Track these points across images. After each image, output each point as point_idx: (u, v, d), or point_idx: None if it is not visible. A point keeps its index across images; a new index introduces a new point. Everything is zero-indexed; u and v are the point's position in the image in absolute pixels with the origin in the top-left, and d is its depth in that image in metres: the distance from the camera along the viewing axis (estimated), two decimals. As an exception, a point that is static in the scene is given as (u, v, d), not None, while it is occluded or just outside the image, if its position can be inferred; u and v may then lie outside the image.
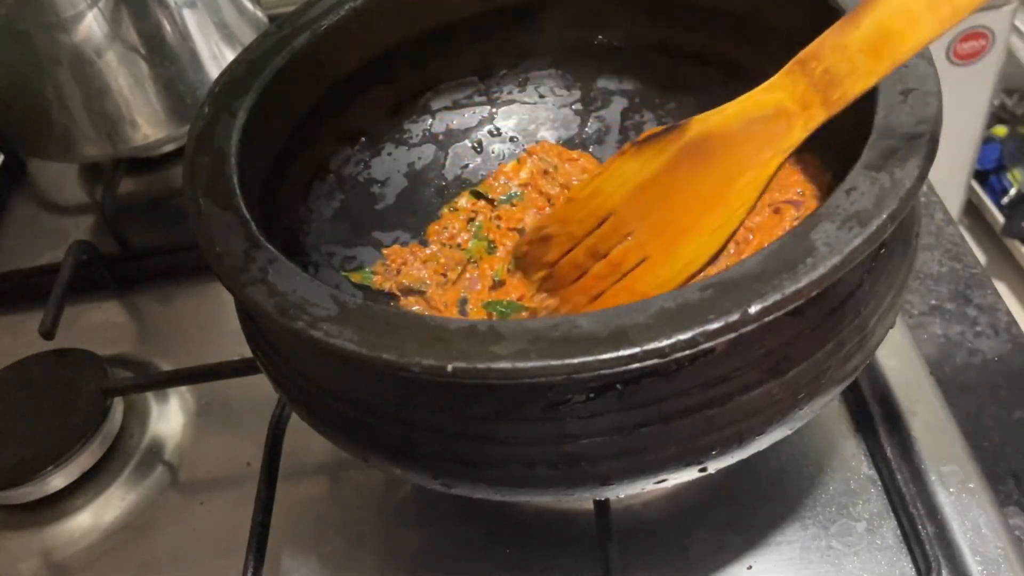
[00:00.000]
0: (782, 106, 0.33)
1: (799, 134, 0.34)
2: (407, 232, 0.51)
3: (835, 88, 0.32)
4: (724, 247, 0.38)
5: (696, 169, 0.36)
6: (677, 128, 0.36)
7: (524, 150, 0.54)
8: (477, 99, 0.54)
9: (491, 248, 0.49)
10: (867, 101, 0.35)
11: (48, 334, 0.54)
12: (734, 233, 0.37)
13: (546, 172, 0.51)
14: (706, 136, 0.36)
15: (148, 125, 0.64)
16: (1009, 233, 1.60)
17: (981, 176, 1.65)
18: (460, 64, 0.52)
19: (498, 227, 0.50)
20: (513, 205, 0.51)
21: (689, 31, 0.49)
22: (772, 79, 0.33)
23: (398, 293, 0.48)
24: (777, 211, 0.45)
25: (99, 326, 0.63)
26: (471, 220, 0.51)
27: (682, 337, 0.28)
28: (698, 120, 0.35)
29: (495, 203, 0.51)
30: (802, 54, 0.32)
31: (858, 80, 0.32)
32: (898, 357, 0.50)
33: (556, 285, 0.42)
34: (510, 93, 0.54)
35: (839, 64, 0.32)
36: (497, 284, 0.47)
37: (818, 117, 0.33)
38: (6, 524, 0.52)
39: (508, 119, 0.54)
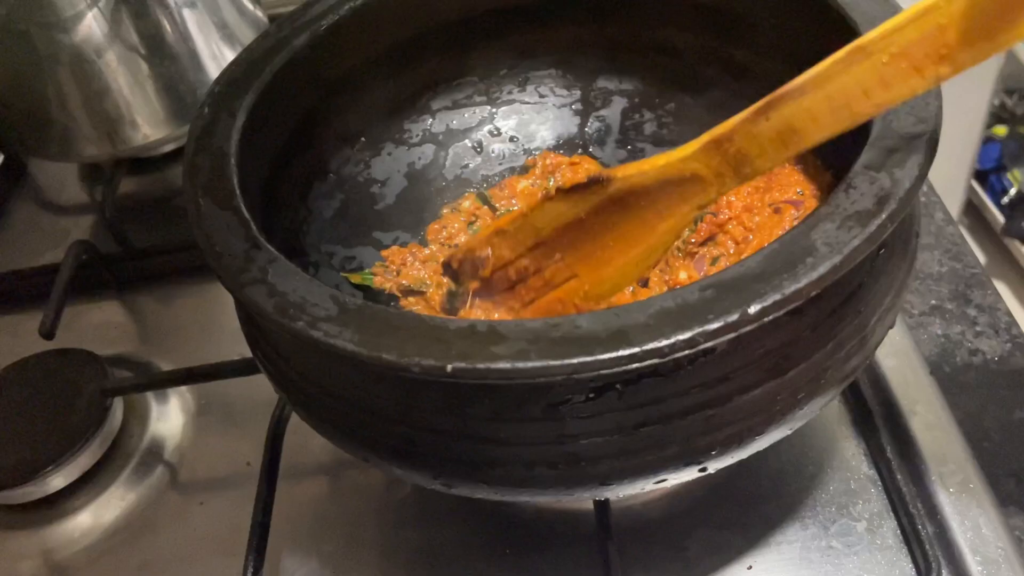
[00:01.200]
0: (698, 173, 0.37)
1: (713, 194, 0.37)
2: (407, 232, 0.51)
3: (746, 165, 0.35)
4: (649, 271, 0.43)
5: (619, 214, 0.40)
6: (600, 182, 0.40)
7: (523, 149, 0.54)
8: (477, 99, 0.54)
9: None
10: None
11: (48, 334, 0.54)
12: (658, 261, 0.42)
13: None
14: (628, 191, 0.39)
15: (148, 125, 0.64)
16: (1009, 233, 1.60)
17: (981, 176, 1.65)
18: (460, 64, 0.52)
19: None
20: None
21: (689, 31, 0.49)
22: (689, 150, 0.36)
23: (398, 294, 0.48)
24: (777, 211, 0.45)
25: (99, 326, 0.63)
26: (471, 223, 0.51)
27: (682, 337, 0.28)
28: (620, 177, 0.39)
29: (497, 211, 0.52)
30: (717, 133, 0.35)
31: (766, 161, 0.35)
32: (898, 357, 0.50)
33: (491, 293, 0.45)
34: (510, 93, 0.54)
35: (750, 147, 0.35)
36: None
37: (730, 184, 0.37)
38: (6, 524, 0.52)
39: (508, 119, 0.54)
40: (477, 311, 0.45)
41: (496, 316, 0.45)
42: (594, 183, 0.40)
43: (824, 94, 0.32)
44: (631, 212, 0.40)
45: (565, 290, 0.43)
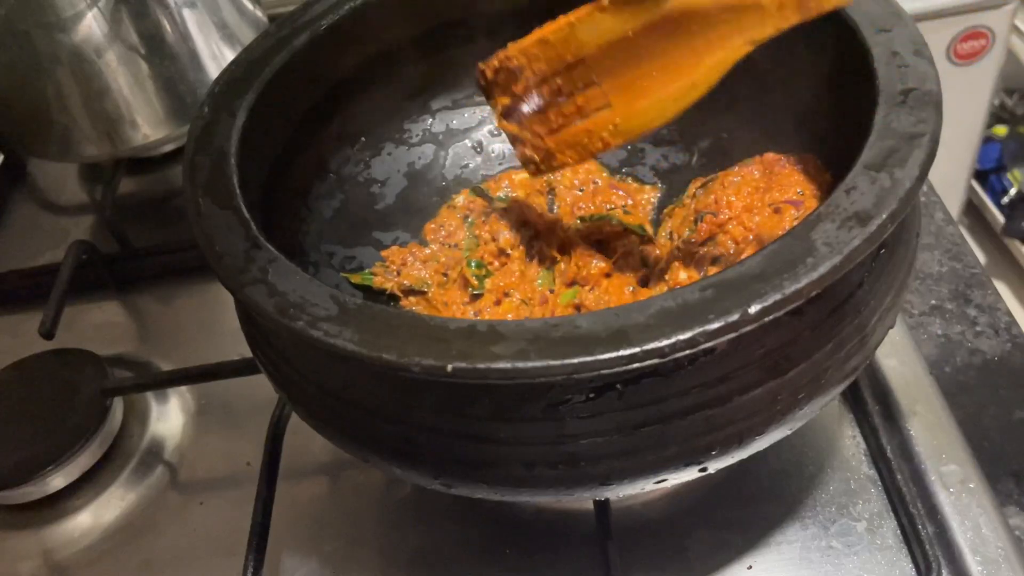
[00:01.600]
0: (759, 1, 0.35)
1: (770, 30, 0.35)
2: (407, 232, 0.51)
3: None
4: (681, 113, 0.40)
5: (669, 39, 0.38)
6: None
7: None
8: (477, 99, 0.54)
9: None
10: (867, 101, 0.35)
11: (48, 334, 0.54)
12: (693, 103, 0.39)
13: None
14: (684, 11, 0.37)
15: (148, 125, 0.64)
16: (1009, 233, 1.60)
17: (981, 176, 1.65)
18: (460, 64, 0.52)
19: (484, 221, 0.50)
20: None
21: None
22: None
23: (399, 293, 0.48)
24: (777, 211, 0.45)
25: (99, 326, 0.63)
26: (466, 218, 0.51)
27: (682, 337, 0.28)
28: None
29: (492, 201, 0.51)
30: None
31: None
32: (898, 357, 0.50)
33: (519, 114, 0.43)
34: (510, 93, 0.54)
35: None
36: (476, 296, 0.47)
37: (791, 19, 0.35)
38: (6, 524, 0.52)
39: (508, 119, 0.54)
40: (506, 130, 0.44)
41: (521, 141, 0.43)
42: None
43: None
44: (682, 38, 0.37)
45: (595, 121, 0.41)
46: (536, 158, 0.44)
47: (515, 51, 0.42)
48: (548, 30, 0.41)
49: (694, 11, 0.37)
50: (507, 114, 0.43)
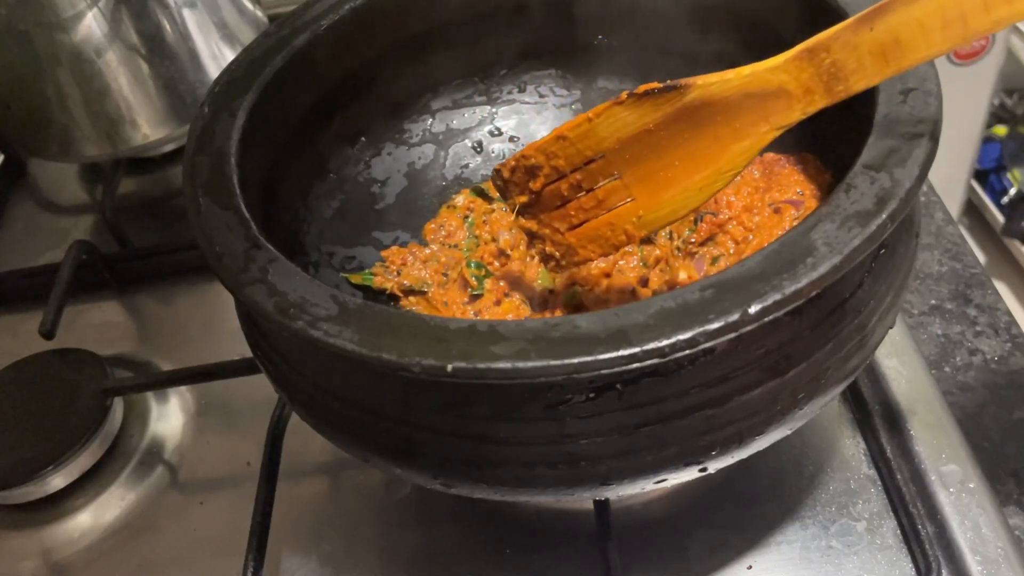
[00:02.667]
0: (785, 87, 0.34)
1: (797, 115, 0.35)
2: (407, 232, 0.51)
3: (839, 82, 0.33)
4: (707, 201, 0.39)
5: (691, 130, 0.37)
6: (678, 88, 0.36)
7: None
8: (477, 99, 0.54)
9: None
10: (867, 100, 0.35)
11: (48, 334, 0.54)
12: (719, 191, 0.38)
13: None
14: (705, 101, 0.36)
15: (148, 125, 0.64)
16: (1009, 233, 1.60)
17: (981, 176, 1.65)
18: (460, 64, 0.52)
19: (484, 221, 0.50)
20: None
21: (689, 31, 0.49)
22: (779, 60, 0.34)
23: (399, 293, 0.48)
24: (777, 211, 0.45)
25: (99, 326, 0.63)
26: (466, 218, 0.51)
27: (682, 337, 0.28)
28: (700, 84, 0.36)
29: (492, 201, 0.52)
30: (812, 43, 0.33)
31: (862, 78, 0.33)
32: (898, 357, 0.50)
33: (537, 211, 0.42)
34: (510, 93, 0.54)
35: (847, 60, 0.32)
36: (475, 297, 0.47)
37: (818, 103, 0.34)
38: (6, 524, 0.52)
39: (508, 119, 0.54)
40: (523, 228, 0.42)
41: (540, 238, 0.42)
42: (670, 89, 0.36)
43: (938, 3, 0.30)
44: (704, 127, 0.36)
45: (618, 213, 0.40)
46: (556, 254, 0.43)
47: (532, 150, 0.40)
48: (566, 127, 0.39)
49: (716, 100, 0.36)
50: (524, 211, 0.42)
